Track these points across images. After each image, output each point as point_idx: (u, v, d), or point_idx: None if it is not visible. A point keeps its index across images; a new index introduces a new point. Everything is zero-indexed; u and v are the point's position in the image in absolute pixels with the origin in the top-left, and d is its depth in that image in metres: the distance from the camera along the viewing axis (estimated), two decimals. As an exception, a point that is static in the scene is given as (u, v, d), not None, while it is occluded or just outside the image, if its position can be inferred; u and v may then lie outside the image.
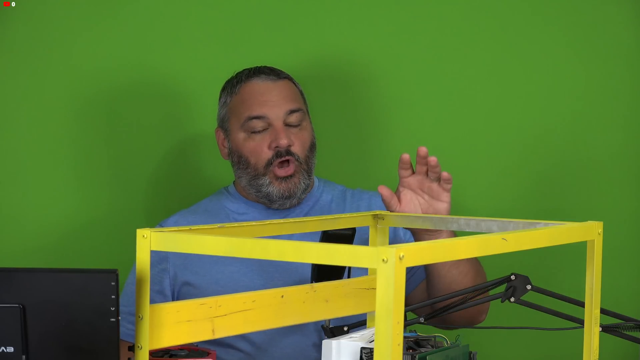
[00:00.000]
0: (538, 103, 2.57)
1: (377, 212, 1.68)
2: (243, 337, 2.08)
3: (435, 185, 1.95)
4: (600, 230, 1.47)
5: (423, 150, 1.94)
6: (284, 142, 2.10)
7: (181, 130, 2.50)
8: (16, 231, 2.41)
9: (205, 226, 1.43)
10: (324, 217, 1.62)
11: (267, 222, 1.52)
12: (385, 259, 1.11)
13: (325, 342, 1.41)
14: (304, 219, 1.58)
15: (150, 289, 2.08)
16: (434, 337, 1.43)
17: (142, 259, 1.34)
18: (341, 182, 2.32)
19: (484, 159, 2.57)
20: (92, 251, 2.43)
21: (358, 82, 2.56)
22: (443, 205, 1.95)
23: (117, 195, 2.46)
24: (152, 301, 2.04)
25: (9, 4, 2.40)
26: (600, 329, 1.52)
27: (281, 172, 2.11)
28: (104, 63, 2.45)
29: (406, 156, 1.97)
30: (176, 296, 2.11)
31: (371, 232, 1.68)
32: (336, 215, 1.64)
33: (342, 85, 2.55)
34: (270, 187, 2.12)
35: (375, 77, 2.56)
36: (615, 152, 2.57)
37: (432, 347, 1.41)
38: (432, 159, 1.93)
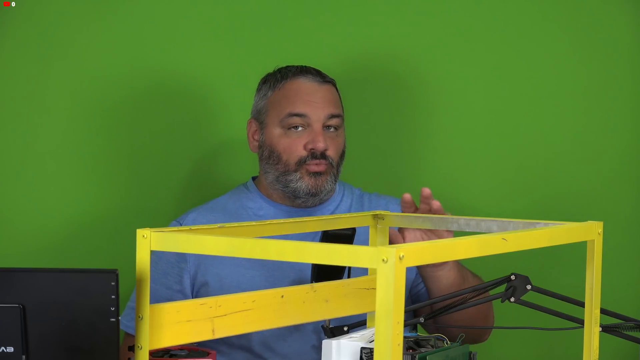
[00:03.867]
0: (538, 103, 2.57)
1: (377, 212, 1.68)
2: (240, 343, 2.08)
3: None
4: (600, 230, 1.47)
5: (426, 191, 1.93)
6: (321, 145, 2.10)
7: (187, 131, 2.50)
8: (20, 231, 2.41)
9: (205, 226, 1.43)
10: (324, 217, 1.62)
11: (267, 222, 1.52)
12: (385, 259, 1.11)
13: (325, 342, 1.41)
14: (304, 218, 1.58)
15: (171, 289, 2.08)
16: (434, 337, 1.43)
17: (142, 259, 1.34)
18: (359, 185, 2.33)
19: (484, 158, 2.56)
20: (93, 251, 2.43)
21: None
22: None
23: (119, 195, 2.46)
24: (173, 301, 2.06)
25: (9, 4, 2.40)
26: (600, 329, 1.52)
27: (314, 167, 2.11)
28: (104, 63, 2.45)
29: (407, 196, 1.97)
30: (194, 296, 2.11)
31: (371, 232, 1.68)
32: (336, 215, 1.64)
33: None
34: (299, 182, 2.12)
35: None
36: (616, 152, 2.57)
37: (432, 347, 1.41)
38: (435, 203, 1.92)
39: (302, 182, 2.11)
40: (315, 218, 1.60)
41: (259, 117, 2.18)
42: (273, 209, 2.17)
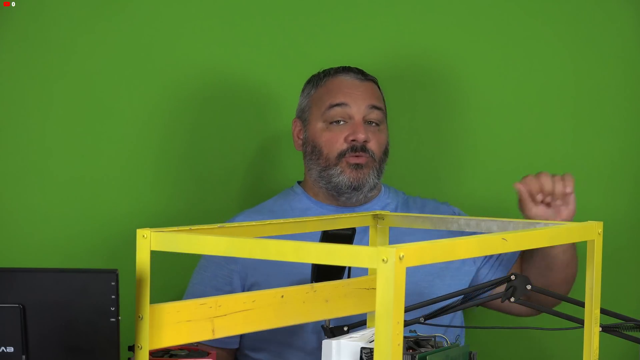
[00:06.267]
0: (538, 102, 2.57)
1: (377, 212, 1.68)
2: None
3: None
4: (600, 230, 1.47)
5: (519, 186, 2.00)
6: (361, 136, 2.12)
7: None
8: (20, 231, 2.41)
9: (205, 226, 1.43)
10: (324, 217, 1.62)
11: (267, 222, 1.52)
12: (385, 259, 1.11)
13: (325, 342, 1.41)
14: (304, 218, 1.58)
15: (221, 290, 2.09)
16: (434, 337, 1.43)
17: (142, 259, 1.34)
18: (406, 186, 2.34)
19: (484, 158, 2.56)
20: (93, 251, 2.44)
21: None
22: (568, 210, 2.03)
23: (122, 196, 2.46)
24: None
25: (9, 4, 2.40)
26: (600, 329, 1.52)
27: (354, 159, 2.12)
28: (106, 63, 2.45)
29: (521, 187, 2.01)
30: None
31: (371, 232, 1.68)
32: (336, 215, 1.64)
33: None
34: (341, 177, 2.13)
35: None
36: (616, 152, 2.57)
37: (432, 347, 1.41)
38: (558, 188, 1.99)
39: (344, 176, 2.13)
40: (315, 218, 1.60)
41: (302, 116, 2.22)
42: (320, 209, 2.18)
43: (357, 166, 2.13)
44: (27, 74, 2.42)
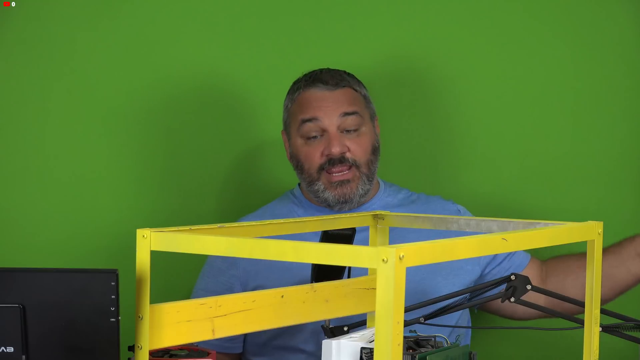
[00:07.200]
0: (538, 102, 2.57)
1: (377, 212, 1.68)
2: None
3: None
4: (600, 230, 1.47)
5: None
6: (335, 150, 2.09)
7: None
8: (20, 231, 2.42)
9: (205, 226, 1.43)
10: (324, 217, 1.62)
11: (267, 222, 1.51)
12: (385, 259, 1.11)
13: (325, 342, 1.41)
14: (304, 218, 1.58)
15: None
16: (434, 337, 1.43)
17: (142, 259, 1.34)
18: (406, 186, 2.33)
19: (484, 158, 2.56)
20: (93, 251, 2.44)
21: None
22: None
23: (122, 196, 2.46)
24: None
25: (9, 4, 2.40)
26: (600, 329, 1.52)
27: (336, 176, 2.10)
28: (105, 64, 2.45)
29: None
30: None
31: (371, 232, 1.68)
32: (336, 215, 1.64)
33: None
34: (325, 193, 2.11)
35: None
36: (616, 151, 2.57)
37: (432, 347, 1.41)
38: None
39: (329, 193, 2.11)
40: (315, 218, 1.60)
41: (286, 129, 2.20)
42: (320, 214, 2.16)
43: (342, 182, 2.11)
44: (27, 74, 2.42)
